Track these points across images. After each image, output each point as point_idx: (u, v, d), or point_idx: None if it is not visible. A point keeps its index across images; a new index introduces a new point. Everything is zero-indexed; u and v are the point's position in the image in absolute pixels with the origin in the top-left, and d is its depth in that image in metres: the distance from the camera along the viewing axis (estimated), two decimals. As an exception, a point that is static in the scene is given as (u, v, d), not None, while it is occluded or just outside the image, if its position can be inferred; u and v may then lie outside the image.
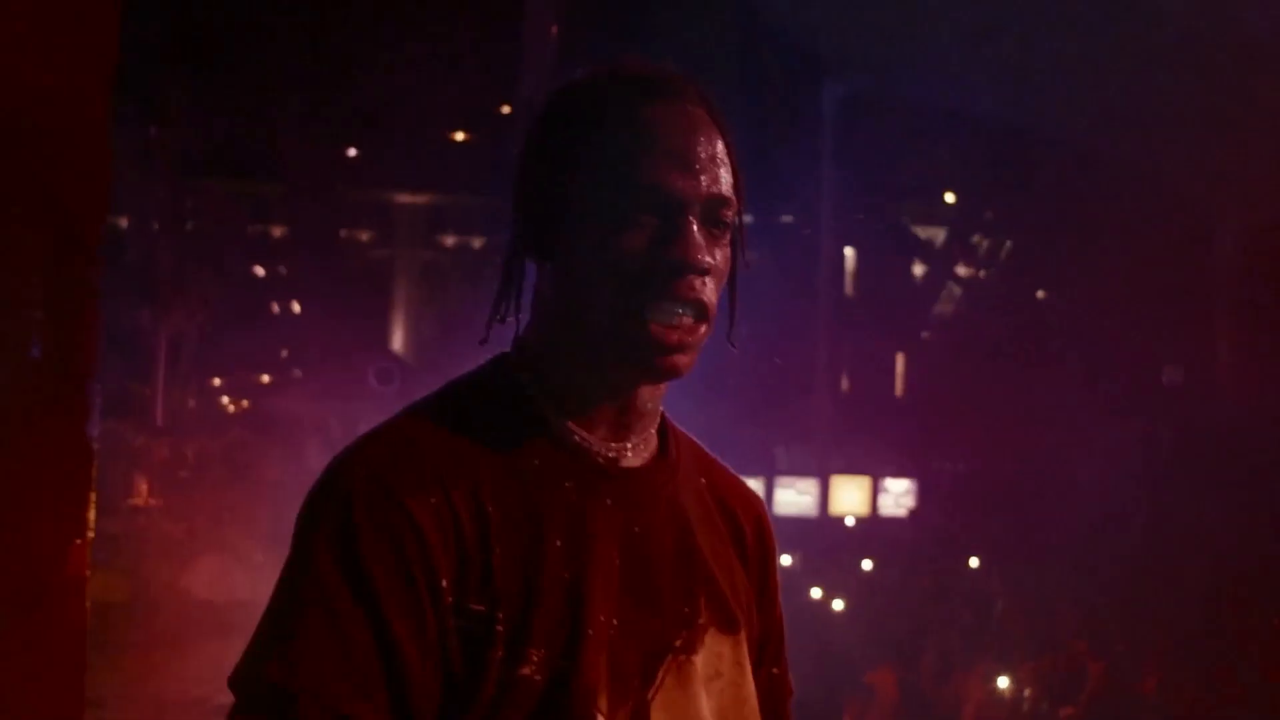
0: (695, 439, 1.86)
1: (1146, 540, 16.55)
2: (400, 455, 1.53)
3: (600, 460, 1.65)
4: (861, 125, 20.60)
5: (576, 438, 1.64)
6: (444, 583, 1.48)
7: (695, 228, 1.57)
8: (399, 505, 1.48)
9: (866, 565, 16.49)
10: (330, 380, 19.56)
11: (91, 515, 1.28)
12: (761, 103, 20.19)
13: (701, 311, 1.59)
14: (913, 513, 21.34)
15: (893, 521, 20.98)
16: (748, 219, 1.71)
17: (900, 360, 25.16)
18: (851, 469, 21.33)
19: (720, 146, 1.61)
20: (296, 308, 23.22)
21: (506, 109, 22.03)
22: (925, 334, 25.13)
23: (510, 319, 1.69)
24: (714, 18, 18.78)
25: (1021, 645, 11.75)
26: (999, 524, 17.73)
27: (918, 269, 25.74)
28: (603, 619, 1.56)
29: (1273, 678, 10.87)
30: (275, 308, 23.01)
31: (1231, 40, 14.94)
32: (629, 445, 1.68)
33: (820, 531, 19.24)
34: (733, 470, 1.89)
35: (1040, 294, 24.21)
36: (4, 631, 1.12)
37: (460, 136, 23.36)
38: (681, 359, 1.58)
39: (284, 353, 22.19)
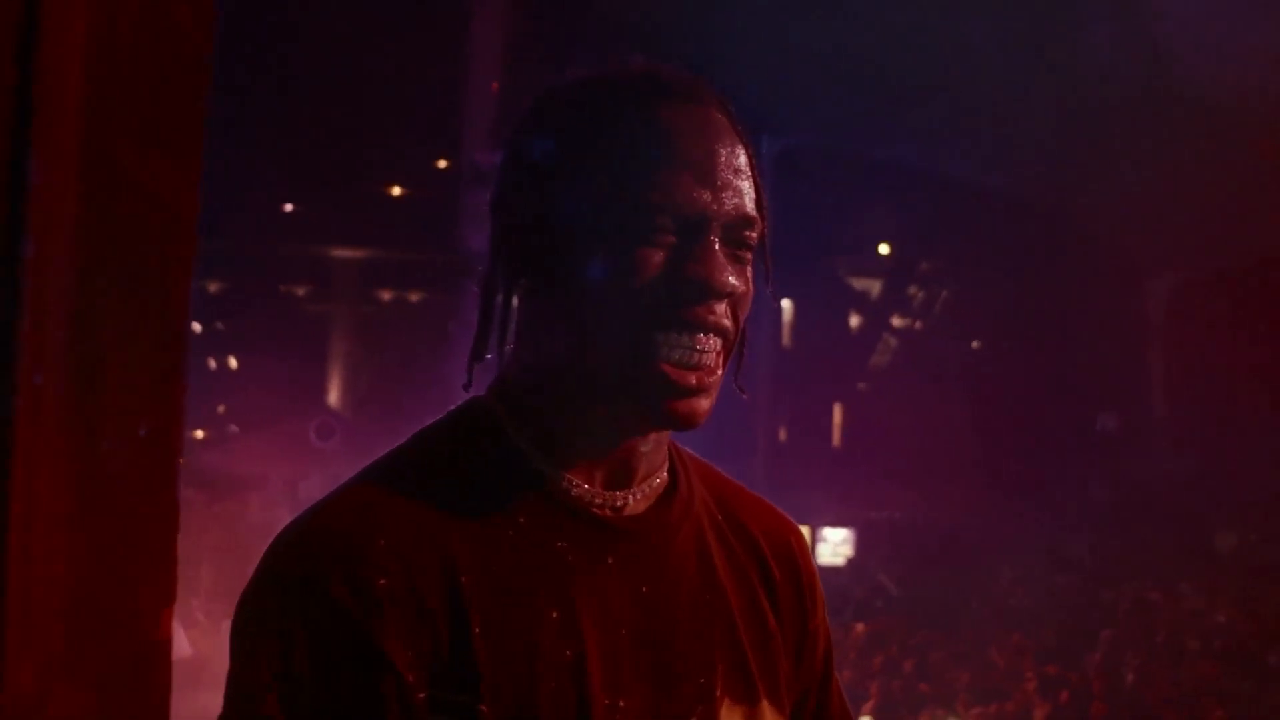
0: (707, 462, 1.64)
1: (1084, 587, 16.77)
2: (351, 534, 1.30)
3: (600, 513, 1.42)
4: (797, 179, 20.81)
5: (572, 489, 1.41)
6: (409, 678, 1.27)
7: (717, 247, 1.36)
8: (340, 612, 1.26)
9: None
10: (269, 436, 19.40)
11: (175, 583, 1.34)
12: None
13: (724, 339, 1.39)
14: (851, 561, 21.47)
15: (831, 570, 21.08)
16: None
17: (838, 411, 25.34)
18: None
19: (743, 158, 1.41)
20: (233, 363, 23.01)
21: (444, 164, 22.02)
22: (862, 385, 25.33)
23: (490, 357, 1.46)
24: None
25: (966, 693, 11.83)
26: (936, 572, 17.90)
27: (854, 321, 25.94)
28: (608, 702, 1.35)
29: None
30: (212, 364, 22.78)
31: (1165, 99, 15.29)
32: (633, 492, 1.46)
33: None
34: (755, 493, 1.67)
35: (975, 344, 24.52)
36: (107, 695, 1.18)
37: (397, 191, 23.28)
38: (699, 403, 1.36)
39: (220, 408, 21.94)
